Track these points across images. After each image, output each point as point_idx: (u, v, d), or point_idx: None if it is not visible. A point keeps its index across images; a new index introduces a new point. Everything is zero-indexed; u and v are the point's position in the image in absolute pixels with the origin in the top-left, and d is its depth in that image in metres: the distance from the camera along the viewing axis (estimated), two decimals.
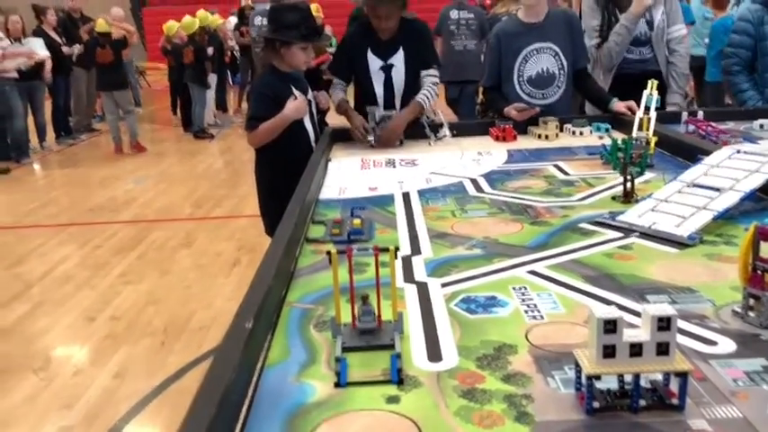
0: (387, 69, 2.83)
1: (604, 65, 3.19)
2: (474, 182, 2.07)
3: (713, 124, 2.51)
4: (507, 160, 2.36)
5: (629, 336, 0.84)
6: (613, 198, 1.79)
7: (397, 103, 2.87)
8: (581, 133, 2.70)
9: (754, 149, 1.71)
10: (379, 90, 2.83)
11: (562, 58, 2.90)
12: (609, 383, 0.86)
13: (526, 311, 1.14)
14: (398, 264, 1.38)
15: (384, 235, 1.59)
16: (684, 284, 1.21)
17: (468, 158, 2.41)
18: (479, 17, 6.26)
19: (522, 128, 2.79)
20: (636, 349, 0.83)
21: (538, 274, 1.31)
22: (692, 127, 2.54)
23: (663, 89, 3.09)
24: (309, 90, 2.71)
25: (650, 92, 2.22)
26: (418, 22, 2.98)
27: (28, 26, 8.30)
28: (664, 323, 0.83)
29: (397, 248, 1.05)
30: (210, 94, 9.29)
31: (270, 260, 1.24)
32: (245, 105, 10.25)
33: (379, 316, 1.06)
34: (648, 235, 1.48)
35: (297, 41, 2.53)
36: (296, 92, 2.61)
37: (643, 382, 0.86)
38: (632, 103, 2.84)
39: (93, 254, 4.50)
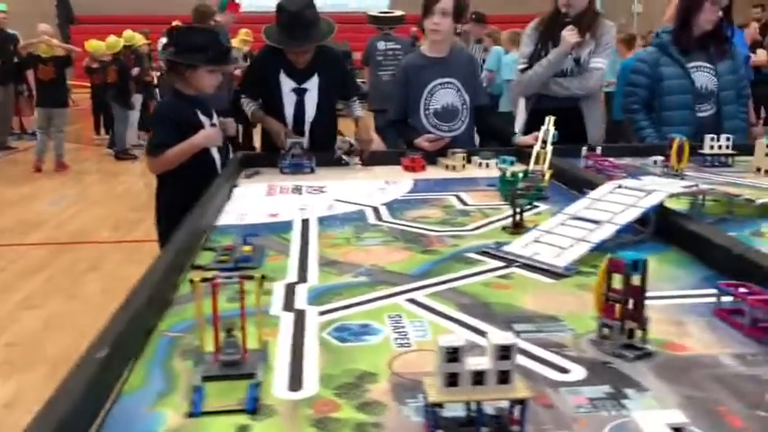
0: (300, 93, 2.87)
1: (521, 91, 3.32)
2: (375, 210, 2.09)
3: (610, 159, 2.63)
4: (412, 189, 2.41)
5: (473, 364, 0.86)
6: (503, 228, 1.84)
7: (306, 128, 2.90)
8: (487, 165, 2.77)
9: (633, 185, 1.80)
10: (289, 112, 2.86)
11: (464, 93, 3.01)
12: (458, 411, 0.88)
13: (396, 339, 1.16)
14: (280, 292, 1.39)
15: (274, 262, 1.59)
16: (551, 313, 1.26)
17: (374, 187, 2.44)
18: (405, 48, 6.41)
19: (432, 158, 2.85)
20: (478, 377, 0.86)
21: (416, 302, 1.33)
22: (590, 162, 2.65)
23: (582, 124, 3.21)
24: (215, 115, 2.70)
25: (547, 127, 2.30)
26: (334, 51, 3.03)
27: None
28: (505, 352, 0.86)
29: (263, 277, 1.05)
30: (135, 115, 9.11)
31: (140, 287, 1.22)
32: None
33: (245, 347, 1.05)
34: (529, 265, 1.53)
35: (203, 65, 2.52)
36: (202, 117, 2.59)
37: (490, 410, 0.89)
38: (537, 135, 2.95)
39: None
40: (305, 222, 1.94)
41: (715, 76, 3.07)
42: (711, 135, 2.72)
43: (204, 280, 1.03)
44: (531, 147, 2.84)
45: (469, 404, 0.88)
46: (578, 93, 3.17)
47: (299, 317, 1.26)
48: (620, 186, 1.81)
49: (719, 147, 2.73)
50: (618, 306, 1.09)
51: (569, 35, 3.04)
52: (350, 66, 9.46)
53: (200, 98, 2.63)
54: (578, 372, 1.04)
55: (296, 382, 1.01)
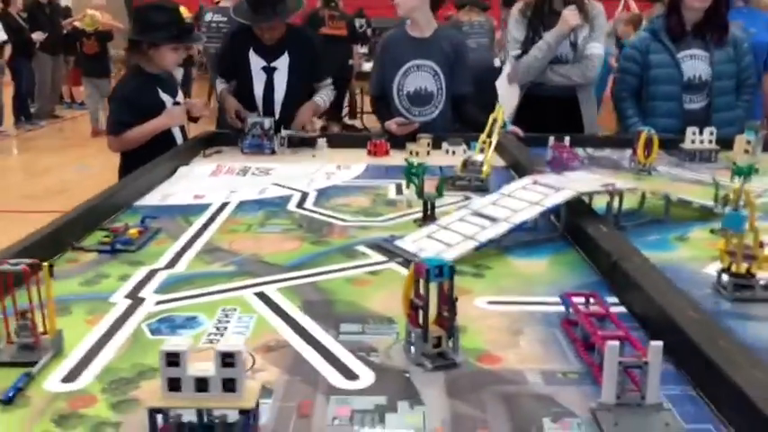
0: (269, 71, 2.84)
1: (519, 79, 3.18)
2: (304, 196, 2.06)
3: (573, 150, 2.51)
4: (358, 175, 2.36)
5: (197, 370, 0.83)
6: (415, 221, 1.78)
7: (277, 109, 2.87)
8: (453, 152, 2.69)
9: (548, 181, 1.71)
10: (258, 91, 2.83)
11: (441, 78, 2.90)
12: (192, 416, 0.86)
13: (210, 335, 1.13)
14: (138, 278, 1.38)
15: (159, 246, 1.58)
16: (391, 315, 1.20)
17: (323, 171, 2.40)
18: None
19: (402, 143, 2.78)
20: (202, 384, 0.82)
21: (263, 295, 1.30)
22: (556, 153, 2.54)
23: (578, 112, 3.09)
24: (180, 93, 2.70)
25: (495, 115, 2.21)
26: (306, 31, 2.99)
27: None
28: (229, 359, 0.82)
29: (51, 265, 1.04)
30: None
31: None
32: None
33: (36, 332, 1.04)
34: (409, 261, 1.47)
35: (165, 43, 2.52)
36: (164, 96, 2.60)
37: (233, 418, 0.85)
38: (516, 129, 2.85)
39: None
40: (222, 206, 1.92)
41: (710, 65, 2.88)
42: (694, 129, 2.57)
43: None
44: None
45: (202, 411, 0.85)
46: (578, 81, 3.04)
47: (134, 305, 1.24)
48: (535, 182, 1.72)
49: (701, 141, 2.57)
50: (421, 312, 1.03)
51: (570, 15, 2.90)
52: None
53: (163, 76, 2.63)
54: (366, 380, 1.00)
55: (74, 374, 1.00)
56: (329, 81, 3.01)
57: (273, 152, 2.71)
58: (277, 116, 2.85)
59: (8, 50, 8.00)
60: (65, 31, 9.57)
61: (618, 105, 3.09)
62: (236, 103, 2.80)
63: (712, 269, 1.39)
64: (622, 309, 1.23)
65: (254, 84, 2.85)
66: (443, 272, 1.01)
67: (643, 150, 2.35)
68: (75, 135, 8.64)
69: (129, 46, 2.61)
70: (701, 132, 2.55)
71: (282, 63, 2.84)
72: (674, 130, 2.73)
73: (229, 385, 0.82)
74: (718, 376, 0.91)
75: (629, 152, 2.59)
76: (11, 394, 0.93)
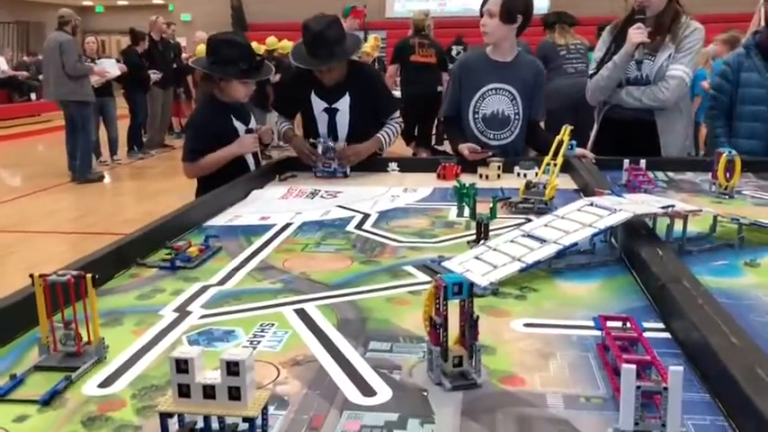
0: (331, 112, 2.87)
1: (589, 98, 3.11)
2: (365, 217, 2.09)
3: (648, 173, 2.42)
4: (424, 198, 2.37)
5: (205, 378, 0.86)
6: (468, 243, 1.77)
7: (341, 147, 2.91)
8: (525, 175, 2.64)
9: (605, 203, 1.65)
10: (323, 130, 2.87)
11: (519, 103, 2.88)
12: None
13: (243, 347, 1.17)
14: (190, 292, 1.44)
15: (216, 264, 1.65)
16: (421, 334, 1.20)
17: (390, 194, 2.43)
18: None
19: (475, 167, 2.77)
20: (209, 391, 0.86)
21: (302, 312, 1.33)
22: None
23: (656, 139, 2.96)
24: (253, 120, 2.81)
25: (561, 137, 2.16)
26: (369, 69, 3.03)
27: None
28: (234, 368, 0.85)
29: (94, 276, 1.11)
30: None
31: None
32: None
33: (79, 341, 1.11)
34: None
35: (234, 78, 2.63)
36: (237, 123, 2.71)
37: (243, 426, 0.88)
38: (585, 151, 2.78)
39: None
40: (285, 227, 1.98)
41: None
42: None
43: (41, 276, 1.10)
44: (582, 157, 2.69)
45: (209, 417, 0.88)
46: (650, 105, 2.90)
47: (179, 318, 1.30)
48: (592, 204, 1.67)
49: None
50: (442, 331, 1.02)
51: (634, 33, 2.81)
52: None
53: (236, 104, 2.75)
54: (383, 396, 1.00)
55: (110, 380, 1.06)
56: (397, 115, 3.01)
57: (346, 175, 2.77)
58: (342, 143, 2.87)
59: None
60: (174, 66, 10.23)
61: (709, 124, 2.96)
62: (302, 141, 2.85)
63: None
64: (665, 334, 1.17)
65: (317, 125, 2.89)
66: (462, 290, 1.00)
67: (723, 173, 2.24)
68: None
69: (204, 76, 2.75)
70: None
71: (344, 104, 2.86)
72: (758, 152, 2.59)
73: (234, 393, 0.85)
74: (747, 406, 0.85)
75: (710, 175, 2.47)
76: (47, 397, 1.00)
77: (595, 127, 3.19)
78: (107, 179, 8.07)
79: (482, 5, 2.88)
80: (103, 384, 1.05)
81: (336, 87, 2.83)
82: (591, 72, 3.09)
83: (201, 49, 9.69)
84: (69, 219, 6.16)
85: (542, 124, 3.17)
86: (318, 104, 2.86)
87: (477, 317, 1.02)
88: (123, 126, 9.30)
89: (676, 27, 2.87)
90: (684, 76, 2.86)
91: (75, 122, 7.57)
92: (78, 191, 7.43)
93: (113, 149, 9.01)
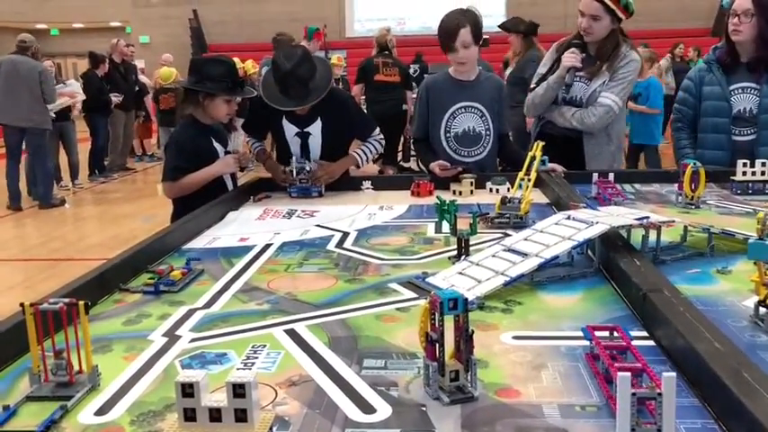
0: (303, 136, 2.88)
1: (525, 112, 3.28)
2: (344, 236, 2.10)
3: (617, 186, 2.48)
4: (400, 215, 2.39)
5: (211, 401, 0.86)
6: (449, 258, 1.79)
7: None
8: (497, 191, 2.70)
9: (581, 216, 1.70)
10: (296, 152, 2.87)
11: (489, 119, 2.95)
12: None
13: (238, 370, 1.17)
14: (177, 316, 1.43)
15: (200, 287, 1.64)
16: (414, 350, 1.22)
17: (366, 212, 2.45)
18: None
19: (447, 183, 2.81)
20: (215, 414, 0.86)
21: (292, 332, 1.33)
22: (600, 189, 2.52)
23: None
24: (230, 142, 2.81)
25: (533, 153, 2.22)
26: (340, 93, 3.05)
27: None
28: (240, 390, 0.85)
29: (86, 304, 1.10)
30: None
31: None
32: None
33: (71, 370, 1.10)
34: None
35: (222, 94, 2.64)
36: (217, 145, 2.72)
37: None
38: (555, 166, 2.84)
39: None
40: (265, 248, 1.98)
41: (759, 97, 2.81)
42: (744, 161, 2.51)
43: (32, 305, 1.09)
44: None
45: None
46: (578, 127, 3.02)
47: (169, 343, 1.30)
48: (569, 217, 1.71)
49: (753, 173, 2.50)
50: (438, 346, 1.04)
51: (566, 57, 2.94)
52: None
53: (215, 127, 2.76)
54: (383, 413, 1.01)
55: (106, 407, 1.05)
56: (377, 132, 3.02)
57: (321, 194, 2.78)
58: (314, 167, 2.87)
59: (78, 107, 8.53)
60: (136, 88, 10.14)
61: (674, 136, 3.07)
62: (275, 163, 2.86)
63: (752, 302, 1.35)
64: (650, 342, 1.21)
65: (290, 147, 2.89)
66: (458, 305, 1.03)
67: (689, 184, 2.31)
68: (146, 186, 9.04)
69: (184, 97, 2.75)
70: (752, 165, 2.49)
71: (315, 128, 2.87)
72: (722, 162, 2.68)
73: (241, 415, 0.86)
74: (738, 408, 0.89)
75: (675, 186, 2.55)
76: (44, 427, 0.98)
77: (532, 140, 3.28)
78: (69, 204, 7.92)
79: (449, 41, 2.87)
80: (100, 412, 1.04)
81: (308, 112, 2.84)
82: (531, 86, 3.19)
83: (166, 71, 9.72)
84: (33, 245, 6.03)
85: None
86: (290, 129, 2.86)
87: (473, 331, 1.04)
88: (83, 150, 9.16)
89: (615, 56, 2.98)
90: (613, 104, 2.97)
91: (39, 148, 7.45)
92: (40, 217, 7.28)
93: (74, 174, 8.86)
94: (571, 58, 2.93)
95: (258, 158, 2.93)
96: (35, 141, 7.38)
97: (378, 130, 3.05)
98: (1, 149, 8.06)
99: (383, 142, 3.10)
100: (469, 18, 2.84)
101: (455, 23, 2.83)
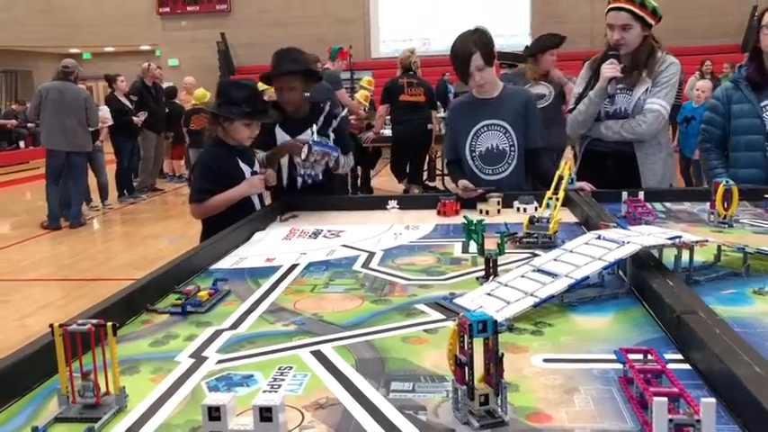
0: None
1: (569, 133, 3.20)
2: (370, 255, 2.09)
3: (647, 205, 2.44)
4: (426, 235, 2.38)
5: (238, 424, 0.86)
6: (477, 279, 1.77)
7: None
8: (525, 210, 2.67)
9: (612, 236, 1.67)
10: (285, 161, 3.04)
11: (513, 135, 2.93)
12: None
13: (263, 392, 1.16)
14: (203, 338, 1.43)
15: (227, 307, 1.64)
16: (442, 373, 1.20)
17: (392, 232, 2.44)
18: None
19: (474, 203, 2.79)
20: None
21: (319, 354, 1.32)
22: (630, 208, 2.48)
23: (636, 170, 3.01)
24: (257, 162, 2.84)
25: (561, 172, 2.19)
26: (335, 111, 3.13)
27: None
28: (267, 413, 0.84)
29: (114, 325, 1.10)
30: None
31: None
32: None
33: (98, 392, 1.10)
34: None
35: (238, 118, 2.67)
36: (243, 166, 2.74)
37: None
38: (584, 184, 2.81)
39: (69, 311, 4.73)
40: (291, 268, 1.98)
41: None
42: None
43: (61, 326, 1.09)
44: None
45: None
46: (629, 137, 2.98)
47: (196, 364, 1.29)
48: (599, 237, 1.68)
49: None
50: (467, 369, 1.02)
51: (606, 68, 2.90)
52: None
53: (241, 148, 2.78)
54: None
55: (133, 429, 1.05)
56: (350, 156, 3.24)
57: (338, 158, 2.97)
58: None
59: (105, 131, 8.72)
60: (167, 110, 10.30)
61: (703, 156, 3.01)
62: (287, 142, 3.04)
63: None
64: (686, 366, 1.18)
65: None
66: (487, 327, 1.01)
67: (722, 203, 2.27)
68: (175, 207, 9.13)
69: (210, 119, 2.78)
70: None
71: (307, 136, 2.97)
72: (756, 180, 2.63)
73: None
74: None
75: (708, 205, 2.50)
76: None
77: (578, 160, 3.25)
78: (99, 224, 8.04)
79: (463, 70, 2.90)
80: None
81: (301, 120, 2.98)
82: (570, 107, 3.16)
83: (200, 92, 9.87)
84: (62, 265, 6.12)
85: None
86: (282, 136, 3.02)
87: (503, 354, 1.02)
88: (110, 170, 9.31)
89: (652, 62, 2.95)
90: (661, 109, 2.94)
91: (79, 170, 7.70)
92: (70, 237, 7.39)
93: (104, 195, 9.00)
94: (611, 68, 2.89)
95: (270, 158, 3.00)
96: (77, 163, 7.60)
97: (351, 155, 3.27)
98: (34, 170, 8.22)
99: (349, 167, 3.34)
100: (477, 41, 2.85)
101: (465, 52, 2.84)
